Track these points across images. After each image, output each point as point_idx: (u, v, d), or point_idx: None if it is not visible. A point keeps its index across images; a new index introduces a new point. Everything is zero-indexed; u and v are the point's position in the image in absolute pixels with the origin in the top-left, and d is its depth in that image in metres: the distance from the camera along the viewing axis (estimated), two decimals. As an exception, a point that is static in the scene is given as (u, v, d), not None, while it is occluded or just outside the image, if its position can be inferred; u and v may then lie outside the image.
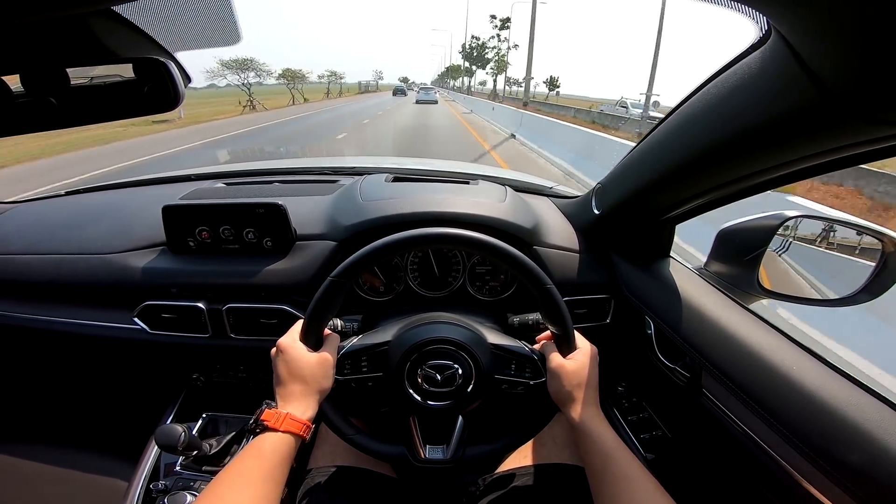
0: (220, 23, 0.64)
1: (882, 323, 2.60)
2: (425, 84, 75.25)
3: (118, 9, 0.56)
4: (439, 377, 0.83)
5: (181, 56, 0.70)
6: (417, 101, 40.61)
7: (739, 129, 0.60)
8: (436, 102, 40.94)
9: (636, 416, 1.21)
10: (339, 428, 0.84)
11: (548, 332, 0.89)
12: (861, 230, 0.89)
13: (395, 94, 66.09)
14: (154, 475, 1.17)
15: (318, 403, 0.78)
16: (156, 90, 0.66)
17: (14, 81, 0.62)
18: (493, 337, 0.90)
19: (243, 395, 1.33)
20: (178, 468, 1.16)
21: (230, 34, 0.67)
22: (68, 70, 0.64)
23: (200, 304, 1.12)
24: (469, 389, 0.84)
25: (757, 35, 0.51)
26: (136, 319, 1.15)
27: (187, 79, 0.70)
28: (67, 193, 1.62)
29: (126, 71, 0.66)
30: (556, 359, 0.82)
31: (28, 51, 0.59)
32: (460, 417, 0.86)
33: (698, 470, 1.04)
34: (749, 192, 0.75)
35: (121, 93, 0.67)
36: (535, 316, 1.05)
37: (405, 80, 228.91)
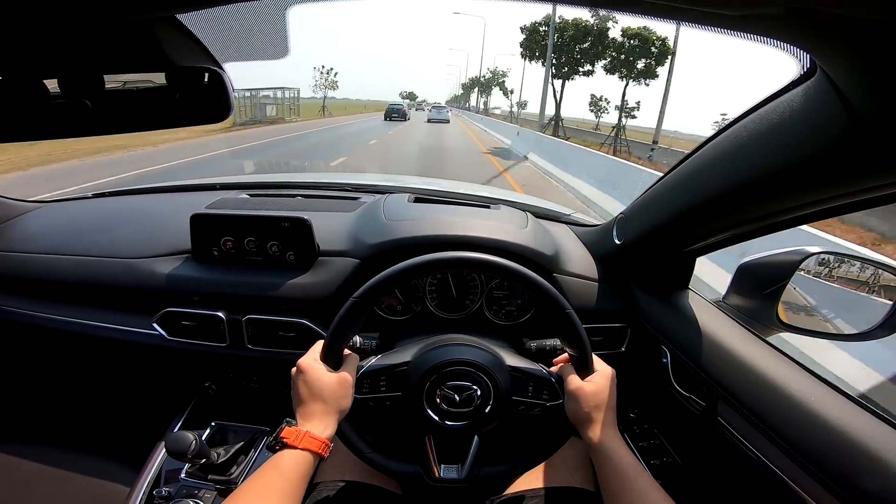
0: (273, 36, 0.66)
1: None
2: (438, 103, 74.42)
3: (181, 17, 0.58)
4: (458, 398, 0.83)
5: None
6: (429, 120, 40.65)
7: (778, 166, 0.61)
8: (448, 122, 40.71)
9: (647, 443, 1.21)
10: (356, 445, 0.84)
11: (565, 355, 0.90)
12: (881, 267, 0.91)
13: (387, 117, 39.83)
14: (157, 481, 1.16)
15: (338, 422, 0.78)
16: (208, 99, 0.68)
17: (54, 86, 0.64)
18: (512, 359, 0.90)
19: (253, 405, 1.32)
20: (182, 475, 1.15)
21: (279, 48, 0.69)
22: (125, 79, 0.66)
23: (220, 314, 1.13)
24: (487, 410, 0.84)
25: (798, 72, 0.52)
26: (155, 325, 1.16)
27: (232, 90, 0.73)
28: (95, 196, 1.65)
29: (176, 80, 0.69)
30: (574, 381, 0.82)
31: (91, 55, 0.61)
32: (476, 437, 0.86)
33: (709, 497, 1.03)
34: (779, 227, 0.76)
35: (173, 101, 0.69)
36: (552, 342, 1.05)
37: (411, 95, 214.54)
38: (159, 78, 0.66)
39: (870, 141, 0.47)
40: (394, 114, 39.57)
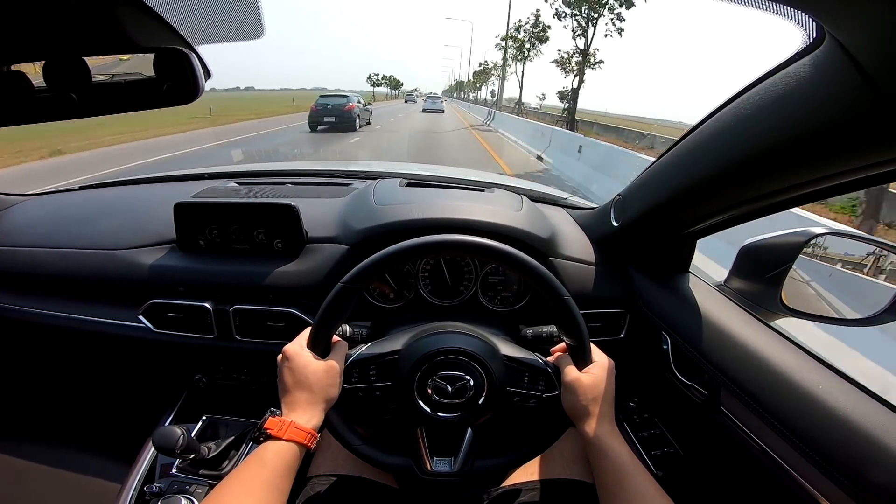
0: (244, 15, 0.63)
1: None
2: (434, 93, 72.27)
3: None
4: (450, 388, 0.81)
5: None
6: (424, 110, 41.67)
7: (784, 140, 0.58)
8: (442, 111, 41.98)
9: (648, 433, 1.19)
10: (345, 437, 0.82)
11: (562, 345, 0.87)
12: (887, 249, 0.88)
13: (314, 126, 18.70)
14: (149, 477, 1.14)
15: (325, 412, 0.76)
16: (176, 82, 0.64)
17: (35, 74, 0.61)
18: (507, 348, 0.88)
19: (245, 398, 1.30)
20: (174, 471, 1.13)
21: (253, 28, 0.66)
22: (91, 66, 0.63)
23: (207, 305, 1.10)
24: (480, 402, 0.82)
25: (804, 42, 0.49)
26: (141, 317, 1.14)
27: (208, 73, 0.69)
28: (82, 188, 1.63)
29: (146, 69, 0.65)
30: (571, 372, 0.80)
31: (50, 37, 0.57)
32: (469, 430, 0.84)
33: (711, 488, 1.02)
34: (780, 207, 0.73)
35: (139, 84, 0.65)
36: (549, 328, 1.02)
37: (392, 81, 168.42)
38: (124, 68, 0.63)
39: (887, 110, 0.44)
40: (324, 119, 18.60)
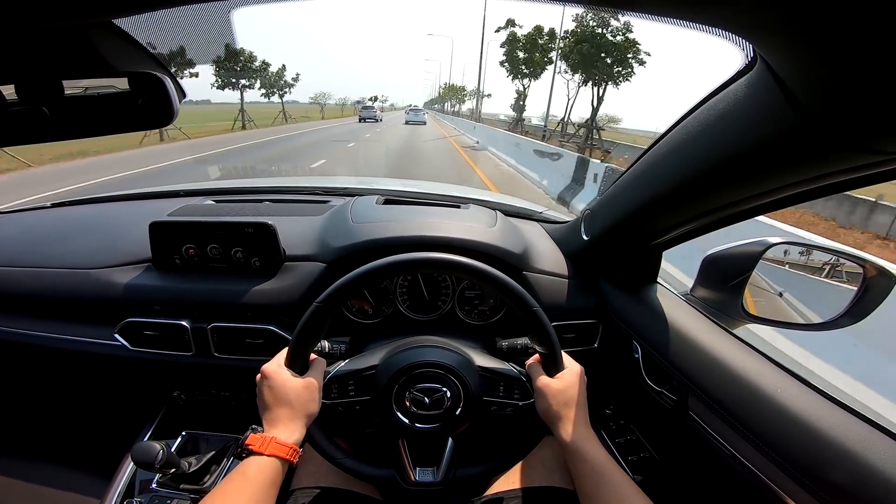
0: (219, 40, 0.65)
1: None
2: (415, 105, 68.72)
3: (119, 22, 0.56)
4: (427, 400, 0.83)
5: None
6: (407, 122, 41.60)
7: (724, 157, 0.61)
8: (424, 123, 42.04)
9: (624, 439, 1.21)
10: (327, 451, 0.83)
11: (537, 356, 0.89)
12: (843, 256, 0.92)
13: None
14: (129, 492, 1.13)
15: (306, 427, 0.77)
16: (151, 105, 0.66)
17: (8, 91, 0.62)
18: (482, 360, 0.90)
19: (225, 413, 1.30)
20: (154, 485, 1.13)
21: (228, 52, 0.67)
22: (64, 82, 0.64)
23: (184, 323, 1.10)
24: (458, 412, 0.84)
25: (743, 62, 0.52)
26: (116, 336, 1.13)
27: (182, 94, 0.70)
28: (53, 205, 1.60)
29: (121, 84, 0.66)
30: (542, 378, 0.82)
31: (25, 60, 0.59)
32: (450, 439, 0.85)
33: (686, 491, 1.04)
34: (735, 219, 0.76)
35: (115, 107, 0.67)
36: (523, 340, 1.05)
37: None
38: (97, 83, 0.64)
39: (811, 129, 0.47)
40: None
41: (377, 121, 43.85)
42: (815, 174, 0.54)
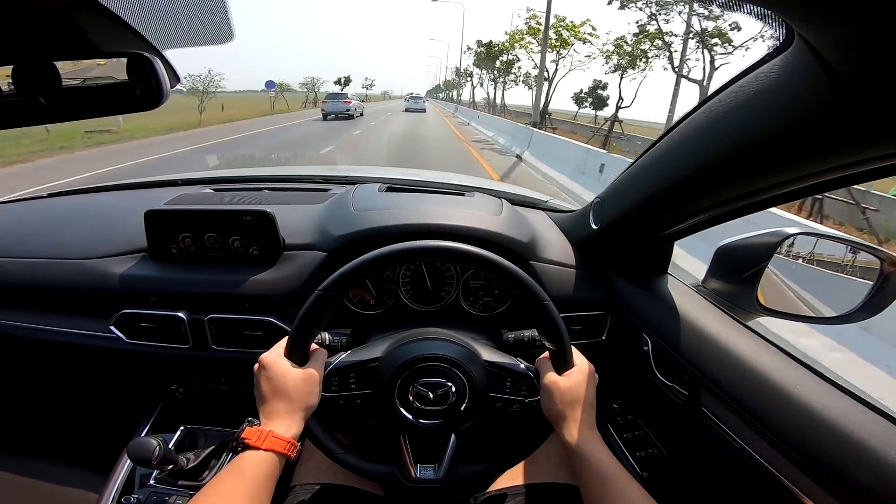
0: (212, 20, 0.62)
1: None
2: (416, 93, 64.80)
3: (104, 1, 0.53)
4: (431, 395, 0.80)
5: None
6: (406, 110, 41.99)
7: (756, 140, 0.59)
8: (424, 111, 42.51)
9: (631, 434, 1.20)
10: (326, 446, 0.81)
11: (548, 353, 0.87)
12: (860, 248, 0.89)
13: None
14: (128, 488, 1.12)
15: (304, 421, 0.75)
16: (148, 86, 0.63)
17: (2, 78, 0.59)
18: (488, 354, 0.88)
19: (224, 407, 1.28)
20: (152, 481, 1.11)
21: (223, 32, 0.64)
22: (60, 70, 0.61)
23: (181, 314, 1.08)
24: (462, 408, 0.81)
25: (776, 42, 0.50)
26: (112, 328, 1.10)
27: (175, 78, 0.68)
28: (50, 195, 1.58)
29: (117, 72, 0.64)
30: (550, 376, 0.80)
31: (11, 43, 0.56)
32: (453, 436, 0.83)
33: (695, 488, 1.02)
34: (756, 208, 0.74)
35: (106, 89, 0.64)
36: (530, 332, 1.02)
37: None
38: (94, 73, 0.61)
39: (854, 107, 0.45)
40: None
41: (352, 117, 27.91)
42: (851, 159, 0.52)
